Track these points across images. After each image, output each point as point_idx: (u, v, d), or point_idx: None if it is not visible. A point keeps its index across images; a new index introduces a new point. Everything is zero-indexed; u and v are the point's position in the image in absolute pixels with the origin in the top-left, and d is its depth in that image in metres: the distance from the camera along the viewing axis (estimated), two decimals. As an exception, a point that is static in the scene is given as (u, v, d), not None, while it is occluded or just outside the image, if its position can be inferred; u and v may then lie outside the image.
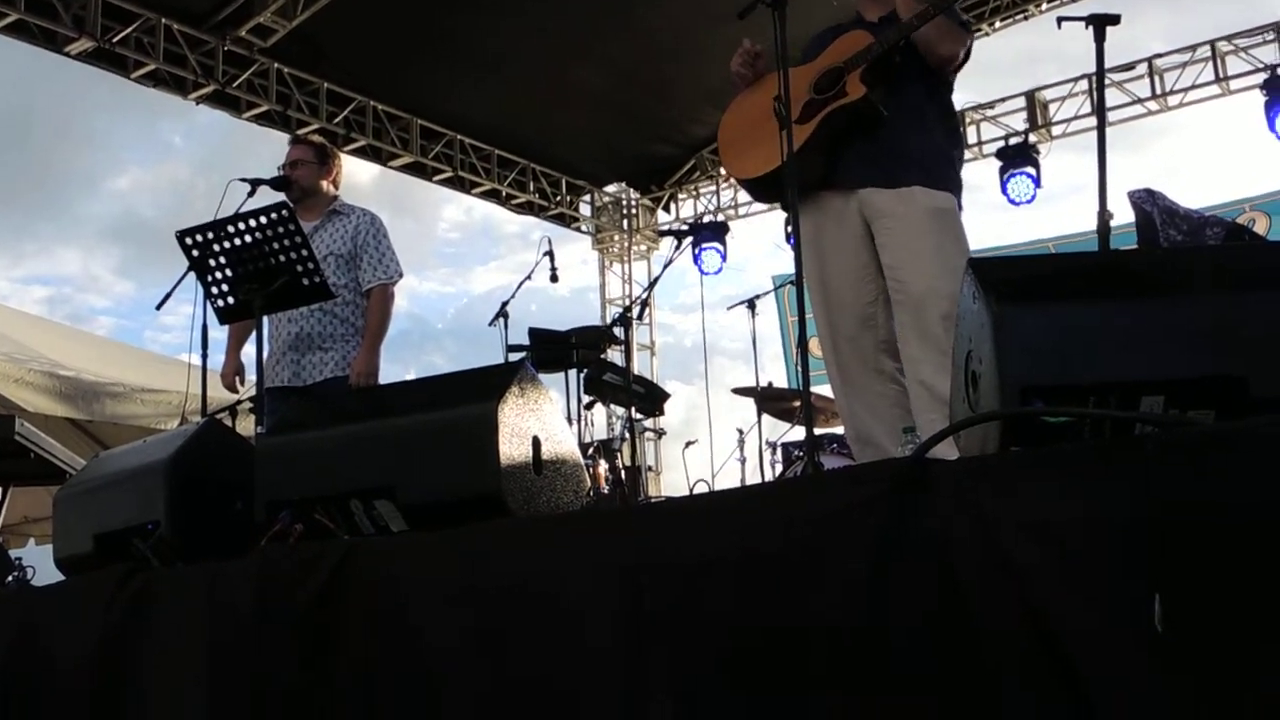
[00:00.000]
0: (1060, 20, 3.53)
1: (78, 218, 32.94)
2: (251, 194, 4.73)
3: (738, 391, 8.09)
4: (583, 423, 7.47)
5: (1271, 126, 9.30)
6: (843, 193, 3.59)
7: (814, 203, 3.61)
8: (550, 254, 7.59)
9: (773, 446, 8.05)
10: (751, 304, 8.30)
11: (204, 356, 4.66)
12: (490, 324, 7.39)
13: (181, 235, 4.14)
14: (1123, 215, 3.65)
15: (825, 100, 3.54)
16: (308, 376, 5.09)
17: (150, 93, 9.39)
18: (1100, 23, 3.41)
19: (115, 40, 8.76)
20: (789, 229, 3.74)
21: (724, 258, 11.53)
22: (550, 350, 7.30)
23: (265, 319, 5.12)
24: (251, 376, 5.34)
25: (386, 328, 5.24)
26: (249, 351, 5.23)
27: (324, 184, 5.33)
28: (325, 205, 5.29)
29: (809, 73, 3.64)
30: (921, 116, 3.59)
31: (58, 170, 32.55)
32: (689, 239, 6.97)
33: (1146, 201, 4.04)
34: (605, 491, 7.08)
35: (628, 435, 7.38)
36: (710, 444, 8.52)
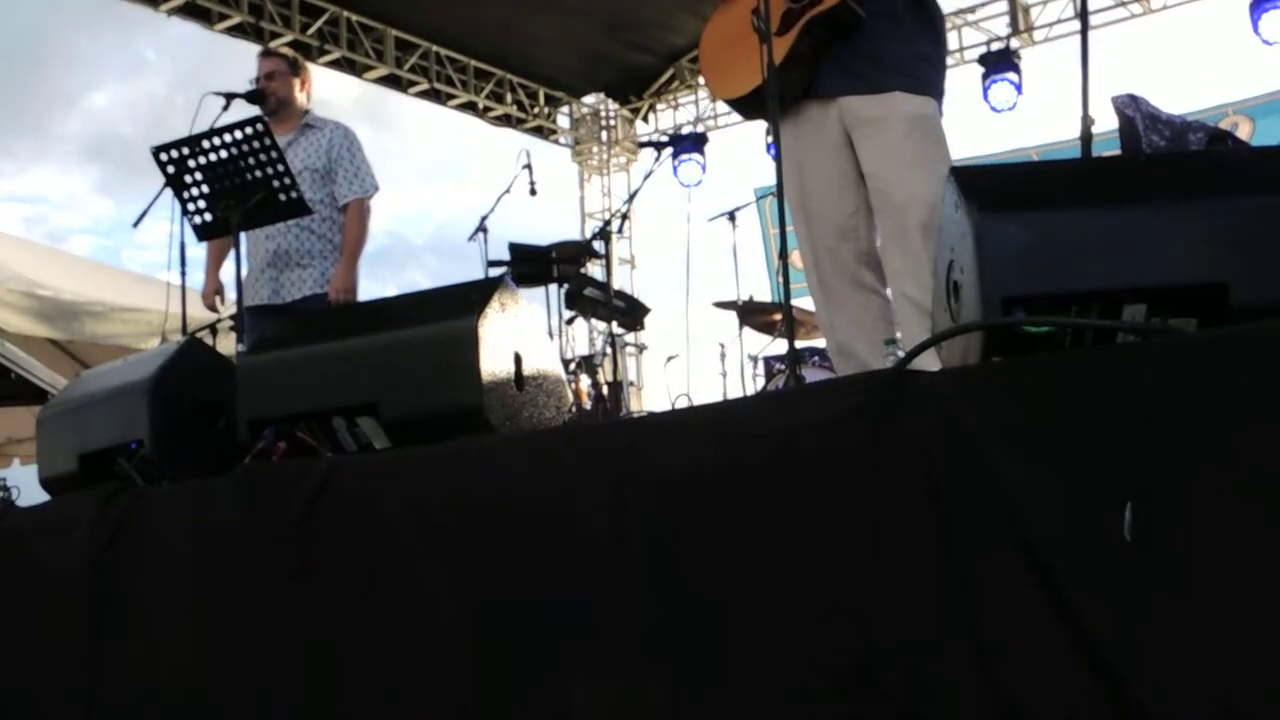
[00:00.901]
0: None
1: (55, 136, 32.53)
2: (226, 108, 4.68)
3: (719, 305, 8.09)
4: (564, 338, 7.48)
5: (1256, 29, 9.22)
6: (822, 102, 3.54)
7: (794, 113, 3.57)
8: (529, 167, 7.53)
9: (754, 360, 8.07)
10: (732, 216, 8.26)
11: (183, 274, 4.63)
12: (470, 239, 7.35)
13: (156, 151, 4.09)
14: (1106, 121, 3.62)
15: (802, 8, 3.48)
16: (286, 294, 5.07)
17: (125, 7, 9.21)
18: (1085, -78, 3.36)
19: (81, -49, 8.57)
20: (770, 140, 3.69)
21: (703, 169, 11.45)
22: (530, 265, 7.27)
23: (243, 237, 5.10)
24: (231, 295, 5.33)
25: (364, 242, 5.22)
26: (228, 270, 5.20)
27: (297, 96, 5.27)
28: (298, 119, 5.24)
29: None
30: (900, 18, 3.51)
31: (34, 88, 32.07)
32: (668, 150, 6.91)
33: (1129, 107, 4.02)
34: (588, 407, 7.10)
35: (609, 350, 7.38)
36: (693, 358, 8.54)
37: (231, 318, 5.12)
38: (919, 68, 3.53)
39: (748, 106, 3.72)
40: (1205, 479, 1.61)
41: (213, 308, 5.31)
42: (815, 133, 3.56)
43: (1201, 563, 1.59)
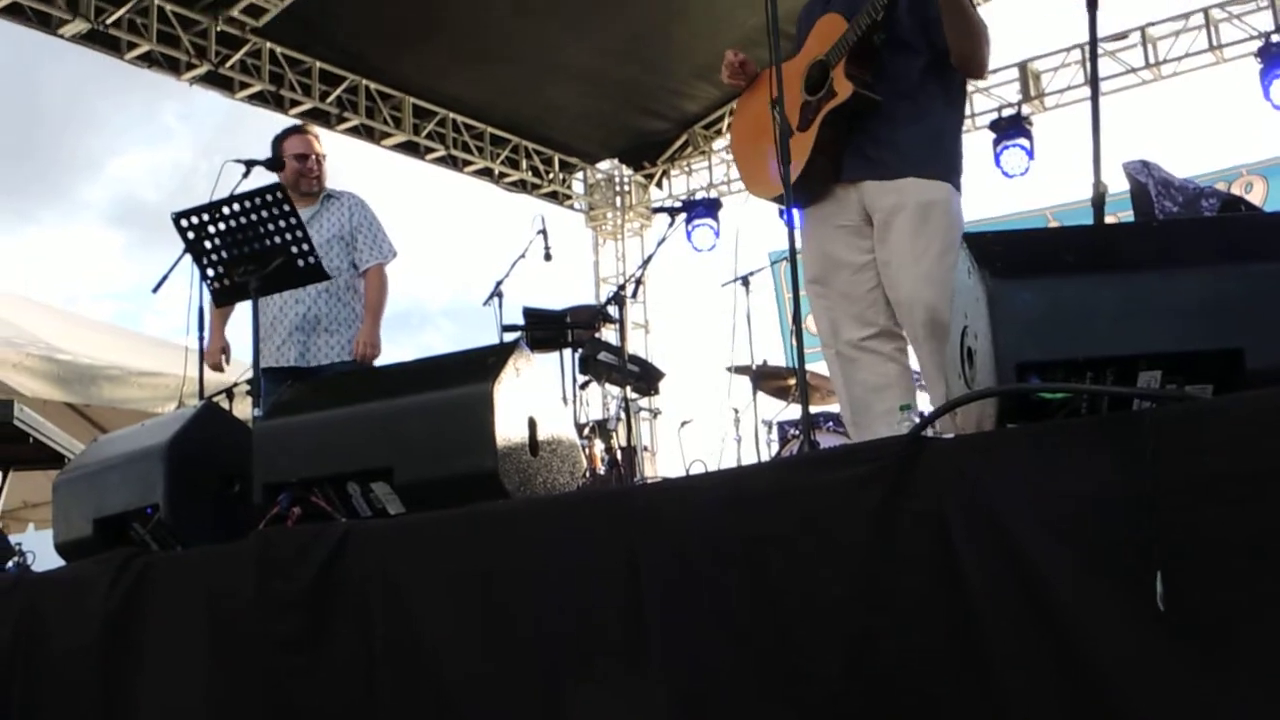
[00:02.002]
0: (1054, -11, 3.51)
1: (80, 202, 32.99)
2: (246, 175, 4.73)
3: (733, 370, 8.09)
4: (578, 402, 7.47)
5: (1267, 94, 9.26)
6: (845, 186, 3.59)
7: (823, 198, 3.62)
8: (544, 232, 7.57)
9: (769, 425, 8.05)
10: (745, 281, 8.28)
11: (201, 339, 4.66)
12: (485, 304, 7.37)
13: (177, 217, 4.12)
14: (1118, 186, 3.64)
15: (819, 101, 3.53)
16: (314, 358, 5.22)
17: (152, 76, 9.37)
18: (1093, -7, 3.39)
19: (109, 22, 8.72)
20: (781, 207, 3.72)
21: (717, 234, 11.50)
22: (545, 329, 7.30)
23: (263, 301, 5.16)
24: (238, 356, 5.37)
25: (385, 304, 5.37)
26: (231, 331, 5.30)
27: (325, 174, 5.43)
28: (320, 191, 5.35)
29: (800, 66, 3.62)
30: (915, 96, 3.54)
31: (62, 155, 32.57)
32: (682, 215, 6.95)
33: (1141, 173, 4.04)
34: (601, 472, 7.08)
35: (623, 415, 7.38)
36: (707, 423, 8.52)
37: (248, 381, 5.15)
38: (933, 149, 3.55)
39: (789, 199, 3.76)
40: (1230, 545, 1.60)
41: (217, 367, 5.37)
42: (837, 214, 3.61)
43: (1233, 632, 1.57)
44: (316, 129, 5.76)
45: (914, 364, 3.70)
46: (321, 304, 5.22)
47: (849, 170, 3.57)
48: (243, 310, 4.89)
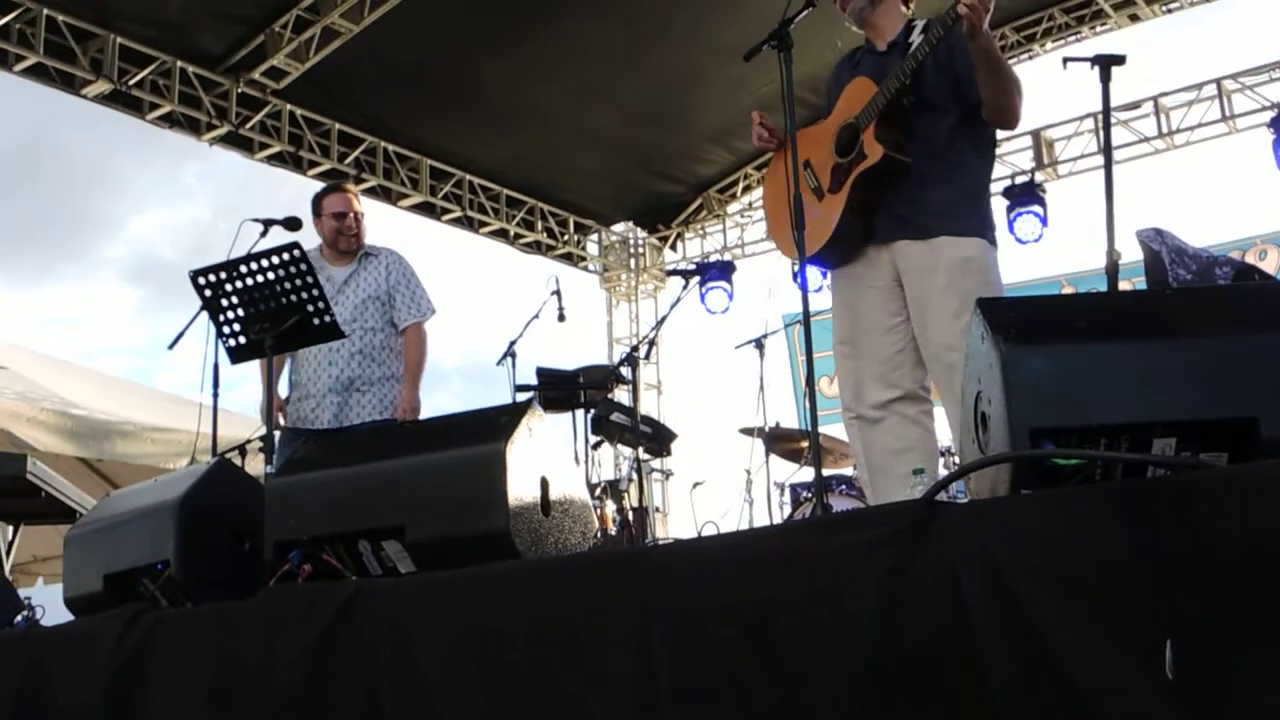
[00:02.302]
0: (1066, 61, 3.54)
1: (101, 259, 33.30)
2: (264, 234, 4.77)
3: (745, 431, 8.08)
4: (590, 463, 7.46)
5: (1278, 164, 9.29)
6: (877, 247, 3.60)
7: (855, 259, 3.63)
8: (558, 293, 7.60)
9: (781, 488, 8.02)
10: (759, 343, 8.29)
11: (215, 396, 4.67)
12: (498, 363, 7.40)
13: (195, 275, 4.16)
14: (1132, 254, 3.65)
15: (850, 164, 3.55)
16: (349, 418, 5.17)
17: (174, 137, 9.50)
18: (1105, 63, 3.42)
19: (131, 83, 8.85)
20: (795, 268, 3.74)
21: (730, 296, 11.53)
22: (558, 390, 7.30)
23: (300, 361, 5.21)
24: (249, 413, 5.35)
25: (424, 363, 5.36)
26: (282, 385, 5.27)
27: (364, 233, 5.45)
28: (359, 249, 5.37)
29: (831, 129, 3.65)
30: (945, 155, 3.55)
31: (85, 213, 32.97)
32: (695, 278, 6.98)
33: (1155, 241, 4.05)
34: (612, 533, 7.05)
35: (635, 476, 7.36)
36: (719, 484, 8.49)
37: (261, 438, 5.15)
38: (964, 206, 3.56)
39: (820, 263, 3.79)
40: (1245, 615, 1.58)
41: (274, 423, 5.29)
42: (869, 274, 3.61)
43: (1244, 702, 1.55)
44: (355, 188, 5.76)
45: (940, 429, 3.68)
46: (356, 366, 5.20)
47: (882, 231, 3.58)
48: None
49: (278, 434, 4.88)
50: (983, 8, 3.24)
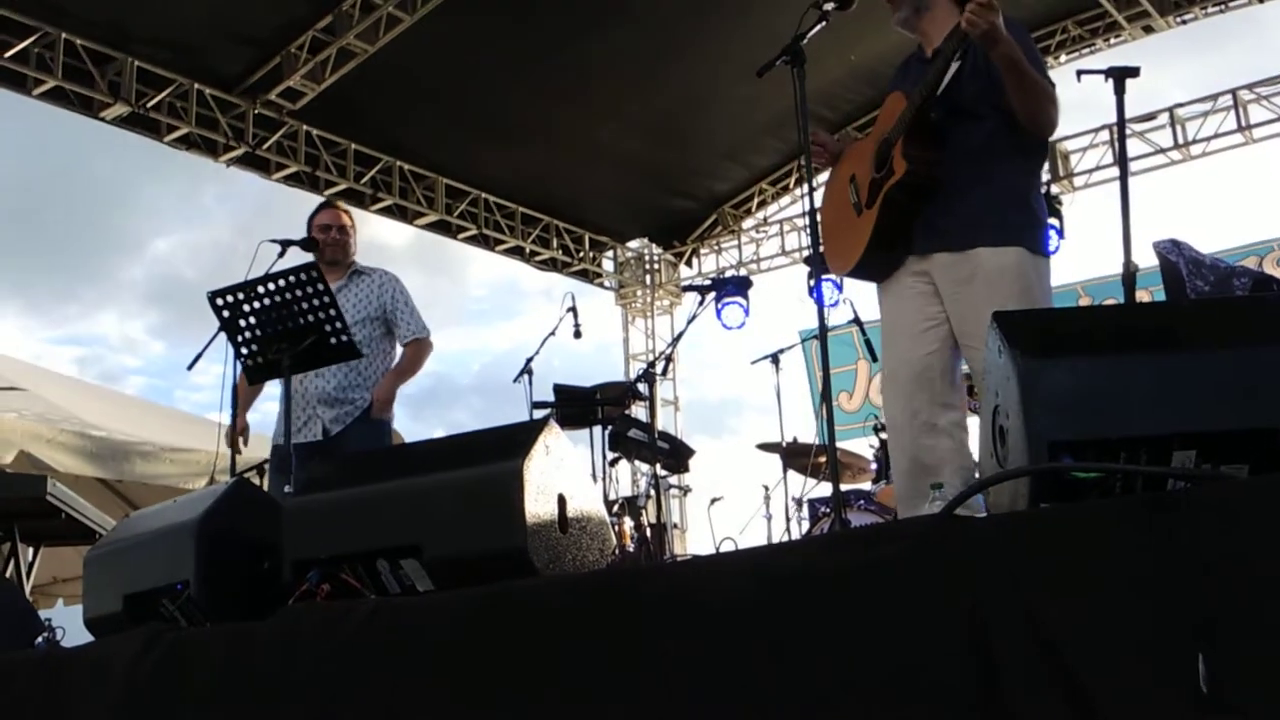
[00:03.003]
0: (1080, 73, 3.54)
1: (119, 281, 33.54)
2: (282, 254, 4.81)
3: (762, 447, 8.06)
4: (608, 479, 7.46)
5: (1296, 177, 9.27)
6: (916, 259, 3.58)
7: (890, 272, 3.63)
8: (574, 310, 7.62)
9: (799, 503, 8.00)
10: (775, 358, 8.28)
11: (233, 416, 4.71)
12: (515, 380, 7.41)
13: (212, 296, 4.18)
14: (1148, 263, 3.64)
15: (881, 180, 3.54)
16: (333, 429, 5.19)
17: (194, 159, 9.57)
18: (1120, 75, 3.42)
19: (149, 105, 8.92)
20: (810, 283, 3.73)
21: (747, 312, 11.51)
22: (575, 407, 7.31)
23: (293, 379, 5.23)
24: (264, 431, 5.39)
25: (415, 371, 5.46)
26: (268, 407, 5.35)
27: (352, 246, 5.49)
28: (347, 266, 5.41)
29: (871, 144, 3.64)
30: (982, 163, 3.49)
31: (104, 235, 33.24)
32: (711, 294, 6.98)
33: (1172, 252, 4.04)
34: (630, 549, 7.04)
35: (653, 492, 7.35)
36: (737, 500, 8.48)
37: (277, 458, 5.18)
38: (1004, 214, 3.49)
39: (861, 275, 3.79)
40: (1270, 626, 1.57)
41: (236, 448, 5.39)
42: (906, 281, 3.59)
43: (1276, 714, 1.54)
44: (348, 206, 5.85)
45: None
46: (345, 381, 5.24)
47: (922, 244, 3.56)
48: (274, 384, 4.93)
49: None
50: (985, 20, 3.20)
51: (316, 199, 10.06)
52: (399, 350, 5.49)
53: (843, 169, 3.78)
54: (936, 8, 3.61)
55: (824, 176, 3.96)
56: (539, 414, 7.06)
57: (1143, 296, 4.11)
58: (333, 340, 4.21)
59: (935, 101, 3.46)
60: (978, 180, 3.48)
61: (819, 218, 3.67)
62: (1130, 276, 3.35)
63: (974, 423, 3.69)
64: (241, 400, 5.35)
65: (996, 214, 3.47)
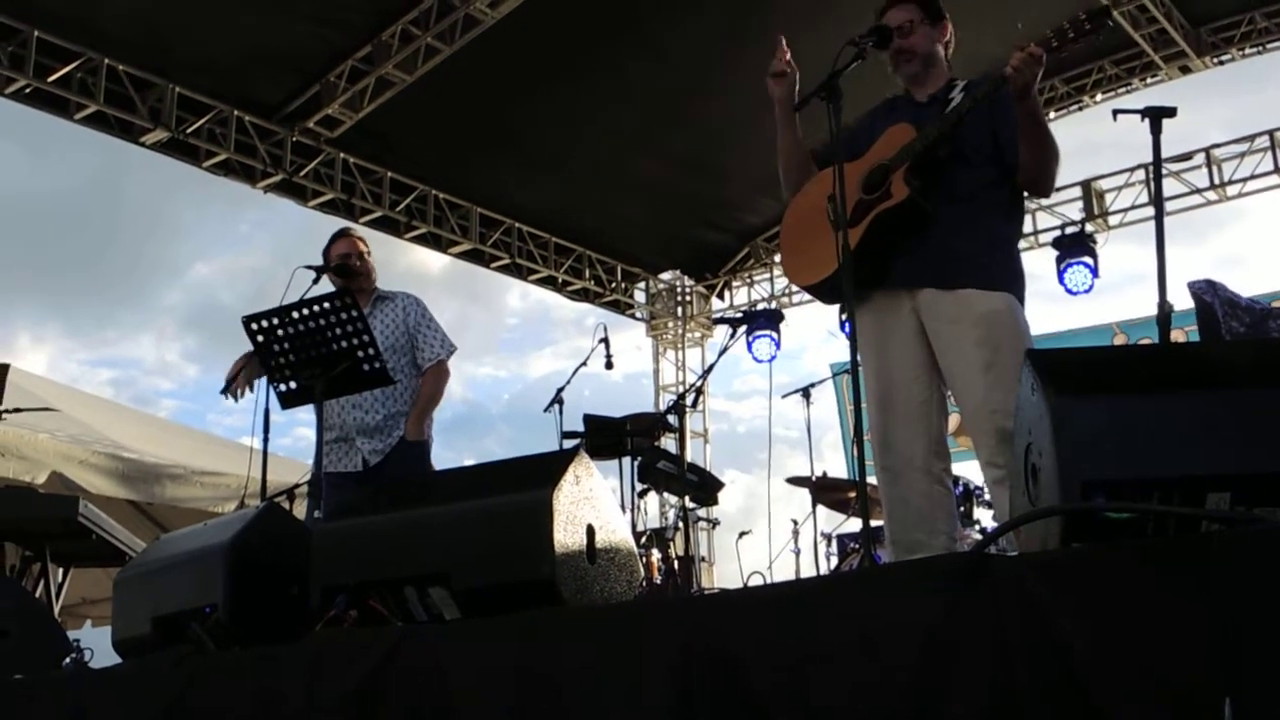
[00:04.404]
0: (1116, 113, 3.53)
1: (159, 307, 33.94)
2: (316, 281, 4.84)
3: (792, 481, 8.04)
4: (636, 511, 7.45)
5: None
6: (899, 292, 3.60)
7: (871, 302, 3.62)
8: (605, 341, 7.63)
9: (828, 538, 7.97)
10: (806, 392, 8.27)
11: (265, 440, 4.72)
12: (545, 410, 7.42)
13: (247, 321, 4.22)
14: (1183, 306, 3.62)
15: (874, 201, 3.56)
16: (373, 460, 5.20)
17: (234, 185, 9.69)
18: (1156, 115, 3.41)
19: (189, 131, 9.03)
20: (843, 317, 3.73)
21: (777, 345, 11.51)
22: (605, 437, 7.31)
23: (326, 409, 5.24)
24: (299, 458, 5.41)
25: (437, 400, 5.41)
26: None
27: (371, 271, 5.52)
28: (370, 292, 5.44)
29: (861, 168, 3.66)
30: (978, 208, 3.56)
31: (146, 259, 33.66)
32: (743, 326, 6.97)
33: (1207, 293, 4.01)
34: (658, 581, 7.02)
35: (681, 524, 7.34)
36: (769, 533, 8.45)
37: (310, 484, 5.20)
38: (992, 259, 3.55)
39: (823, 292, 3.79)
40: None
41: (233, 394, 5.17)
42: (891, 324, 3.61)
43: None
44: (362, 230, 5.83)
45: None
46: (381, 409, 5.24)
47: (907, 276, 3.58)
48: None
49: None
50: (1030, 72, 3.27)
51: (352, 225, 10.18)
52: None
53: (818, 186, 3.76)
54: (938, 64, 3.75)
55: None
56: (569, 444, 7.07)
57: (1178, 337, 4.09)
58: (365, 366, 4.24)
59: (947, 141, 3.52)
60: (970, 224, 3.54)
61: (782, 229, 3.71)
62: (1165, 316, 3.33)
63: (959, 467, 3.73)
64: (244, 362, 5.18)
65: (986, 258, 3.54)
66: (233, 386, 5.14)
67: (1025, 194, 3.71)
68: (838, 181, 3.21)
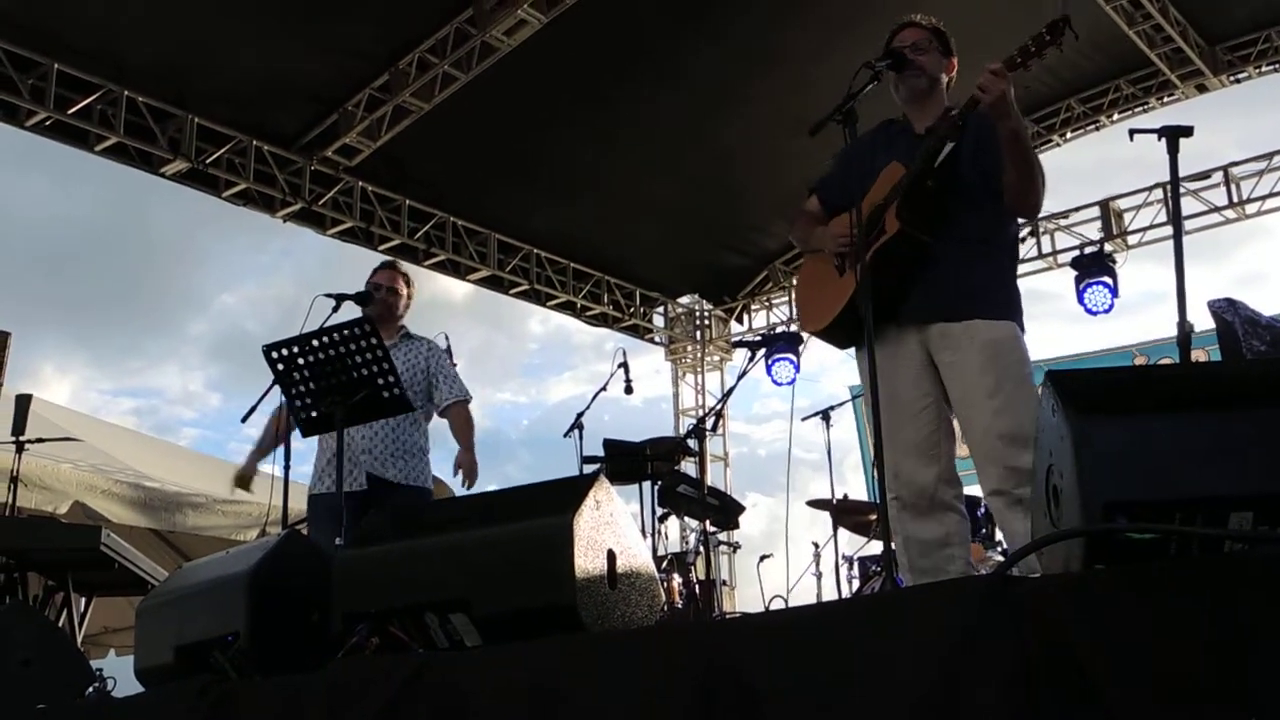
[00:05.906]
0: (1133, 132, 3.53)
1: (185, 336, 34.19)
2: (336, 309, 4.86)
3: (813, 504, 8.01)
4: (657, 535, 7.43)
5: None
6: (908, 327, 3.64)
7: (880, 337, 3.64)
8: (625, 365, 7.64)
9: (849, 561, 7.93)
10: (826, 415, 8.25)
11: (286, 468, 4.74)
12: (565, 435, 7.42)
13: (267, 350, 4.24)
14: (1203, 325, 3.60)
15: (871, 240, 3.60)
16: (385, 475, 5.25)
17: (260, 216, 9.75)
18: (1173, 134, 3.40)
19: (208, 161, 9.09)
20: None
21: (797, 368, 11.49)
22: (625, 462, 7.30)
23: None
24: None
25: (472, 431, 5.54)
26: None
27: (403, 308, 5.59)
28: (398, 329, 5.50)
29: (864, 208, 3.69)
30: (977, 241, 3.64)
31: (172, 289, 33.92)
32: (762, 350, 6.97)
33: (1227, 311, 3.99)
34: (679, 606, 7.00)
35: (702, 548, 7.32)
36: (787, 556, 8.41)
37: (321, 508, 5.22)
38: (997, 292, 3.65)
39: (834, 335, 3.87)
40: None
41: (242, 485, 5.61)
42: (899, 358, 3.66)
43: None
44: (408, 268, 5.91)
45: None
46: (389, 434, 5.34)
47: (912, 312, 3.64)
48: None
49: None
50: (996, 88, 3.36)
51: (374, 254, 10.25)
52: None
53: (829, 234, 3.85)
54: (939, 93, 3.82)
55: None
56: (589, 469, 7.06)
57: (1198, 357, 4.07)
58: (385, 394, 4.25)
59: (933, 173, 3.59)
60: (972, 257, 3.62)
61: (798, 293, 3.78)
62: (1185, 336, 3.32)
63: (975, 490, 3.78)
64: (261, 447, 5.47)
65: (991, 290, 3.64)
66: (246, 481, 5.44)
67: (1019, 219, 3.80)
68: (855, 218, 3.24)
